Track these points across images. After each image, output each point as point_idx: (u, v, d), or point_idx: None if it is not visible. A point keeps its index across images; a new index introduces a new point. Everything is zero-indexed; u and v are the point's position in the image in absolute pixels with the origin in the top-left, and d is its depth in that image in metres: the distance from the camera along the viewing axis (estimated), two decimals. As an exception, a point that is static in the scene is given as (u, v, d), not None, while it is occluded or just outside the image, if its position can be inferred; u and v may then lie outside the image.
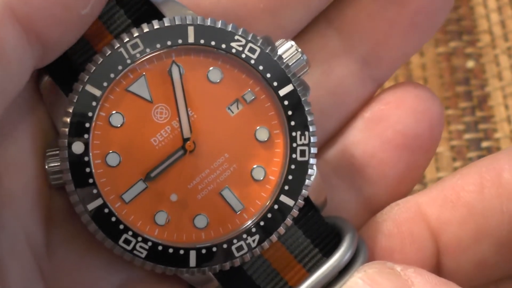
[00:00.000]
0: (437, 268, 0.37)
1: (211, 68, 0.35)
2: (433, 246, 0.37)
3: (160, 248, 0.34)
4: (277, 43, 0.36)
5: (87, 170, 0.34)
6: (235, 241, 0.35)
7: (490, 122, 0.58)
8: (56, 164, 0.34)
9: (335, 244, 0.36)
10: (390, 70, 0.40)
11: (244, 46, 0.35)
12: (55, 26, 0.32)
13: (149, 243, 0.34)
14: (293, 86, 0.35)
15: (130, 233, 0.34)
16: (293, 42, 0.36)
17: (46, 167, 0.34)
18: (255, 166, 0.36)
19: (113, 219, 0.34)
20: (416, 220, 0.37)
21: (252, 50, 0.35)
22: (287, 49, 0.36)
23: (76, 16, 0.33)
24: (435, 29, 0.40)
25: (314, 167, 0.36)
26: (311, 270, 0.36)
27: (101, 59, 0.34)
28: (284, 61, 0.36)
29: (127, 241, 0.34)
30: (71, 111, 0.34)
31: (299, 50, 0.36)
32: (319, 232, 0.37)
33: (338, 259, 0.36)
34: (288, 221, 0.35)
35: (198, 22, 0.35)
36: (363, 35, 0.39)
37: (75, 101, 0.34)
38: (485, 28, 0.60)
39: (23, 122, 0.35)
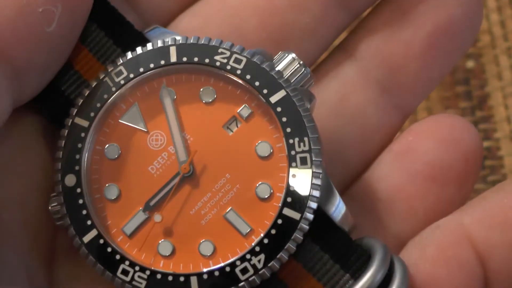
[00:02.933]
0: None
1: (202, 89, 0.35)
2: (481, 272, 0.33)
3: (159, 276, 0.33)
4: (276, 56, 0.35)
5: (80, 201, 0.34)
6: (238, 262, 0.33)
7: (490, 122, 0.58)
8: (57, 203, 0.34)
9: (364, 263, 0.34)
10: (415, 97, 0.37)
11: (228, 58, 0.35)
12: (21, 45, 0.32)
13: (147, 272, 0.33)
14: (286, 91, 0.34)
15: (127, 263, 0.33)
16: (293, 54, 0.35)
17: (49, 208, 0.34)
18: (259, 183, 0.34)
19: (109, 249, 0.33)
20: (462, 244, 0.33)
21: (237, 61, 0.35)
22: (283, 59, 0.35)
23: (42, 34, 0.32)
24: (462, 50, 0.37)
25: (322, 176, 0.33)
26: None
27: (88, 91, 0.34)
28: (282, 71, 0.34)
29: (125, 272, 0.33)
30: (62, 145, 0.34)
31: (301, 62, 0.35)
32: (345, 251, 0.34)
33: (368, 280, 0.33)
34: (298, 237, 0.33)
35: (180, 42, 0.35)
36: (378, 60, 0.37)
37: (65, 135, 0.34)
38: (485, 28, 0.60)
39: (23, 159, 0.34)
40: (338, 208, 0.34)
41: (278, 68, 0.35)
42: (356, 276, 0.33)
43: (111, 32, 0.35)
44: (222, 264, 0.33)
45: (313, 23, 0.37)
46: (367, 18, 0.38)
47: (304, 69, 0.35)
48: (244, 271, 0.33)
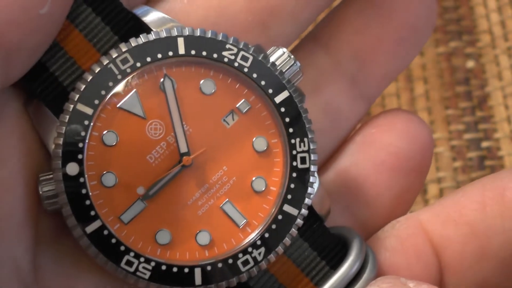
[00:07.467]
0: (440, 286, 0.36)
1: (203, 80, 0.35)
2: (437, 263, 0.36)
3: (164, 267, 0.33)
4: (269, 51, 0.35)
5: (83, 191, 0.33)
6: (240, 255, 0.34)
7: (490, 122, 0.58)
8: (51, 188, 0.33)
9: (343, 255, 0.36)
10: (379, 88, 0.40)
11: (236, 55, 0.35)
12: (15, 28, 0.31)
13: (152, 263, 0.33)
14: (289, 92, 0.35)
15: (132, 254, 0.33)
16: (285, 49, 0.35)
17: (40, 192, 0.33)
18: (255, 177, 0.35)
19: (113, 240, 0.33)
20: (419, 236, 0.36)
21: (244, 58, 0.35)
22: (279, 56, 0.35)
23: (35, 17, 0.32)
24: (421, 44, 0.40)
25: (316, 174, 0.35)
26: (319, 284, 0.35)
27: (91, 77, 0.34)
28: (278, 67, 0.35)
29: (129, 263, 0.33)
30: (63, 132, 0.33)
31: (292, 56, 0.35)
32: (325, 243, 0.36)
33: (346, 270, 0.35)
34: (293, 231, 0.34)
35: (187, 33, 0.34)
36: (350, 52, 0.39)
37: (66, 121, 0.33)
38: (485, 28, 0.60)
39: (9, 143, 0.34)
40: (321, 199, 0.36)
41: (276, 64, 0.35)
42: (335, 267, 0.35)
43: (98, 9, 0.35)
44: (225, 256, 0.34)
45: (298, 6, 0.37)
46: (338, 9, 0.40)
47: (297, 66, 0.35)
48: (245, 263, 0.34)
